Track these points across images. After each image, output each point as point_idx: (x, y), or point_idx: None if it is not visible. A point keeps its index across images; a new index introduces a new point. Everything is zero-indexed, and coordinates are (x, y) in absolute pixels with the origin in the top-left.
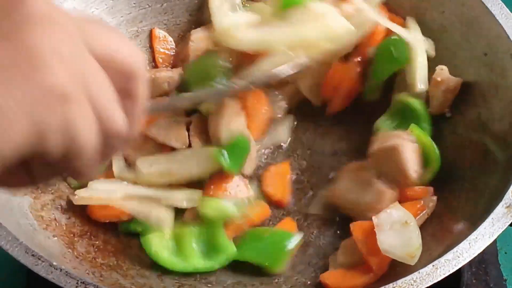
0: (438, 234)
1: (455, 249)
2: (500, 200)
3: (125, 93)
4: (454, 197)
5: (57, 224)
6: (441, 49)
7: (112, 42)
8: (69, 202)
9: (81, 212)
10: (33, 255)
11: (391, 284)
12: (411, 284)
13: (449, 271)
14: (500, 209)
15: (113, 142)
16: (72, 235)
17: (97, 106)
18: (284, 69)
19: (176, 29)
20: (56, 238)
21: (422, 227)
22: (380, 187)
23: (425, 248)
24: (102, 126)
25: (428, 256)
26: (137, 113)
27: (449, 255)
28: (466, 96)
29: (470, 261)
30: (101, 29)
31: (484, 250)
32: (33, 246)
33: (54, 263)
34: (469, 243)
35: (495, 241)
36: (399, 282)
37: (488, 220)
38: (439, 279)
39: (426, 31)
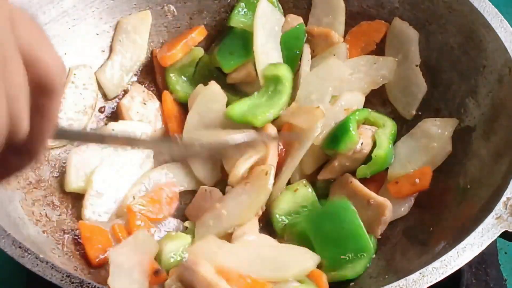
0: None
1: (443, 258)
2: (491, 211)
3: (36, 107)
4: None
5: (48, 220)
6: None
7: (41, 44)
8: (60, 199)
9: (71, 210)
10: (20, 247)
11: None
12: None
13: (436, 279)
14: (490, 219)
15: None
16: (62, 231)
17: (9, 100)
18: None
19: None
20: (46, 233)
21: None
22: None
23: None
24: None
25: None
26: (44, 128)
27: (436, 263)
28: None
29: (470, 262)
30: (33, 25)
31: (484, 251)
32: (21, 239)
33: (41, 256)
34: (457, 252)
35: (495, 242)
36: None
37: (478, 230)
38: (425, 286)
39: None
